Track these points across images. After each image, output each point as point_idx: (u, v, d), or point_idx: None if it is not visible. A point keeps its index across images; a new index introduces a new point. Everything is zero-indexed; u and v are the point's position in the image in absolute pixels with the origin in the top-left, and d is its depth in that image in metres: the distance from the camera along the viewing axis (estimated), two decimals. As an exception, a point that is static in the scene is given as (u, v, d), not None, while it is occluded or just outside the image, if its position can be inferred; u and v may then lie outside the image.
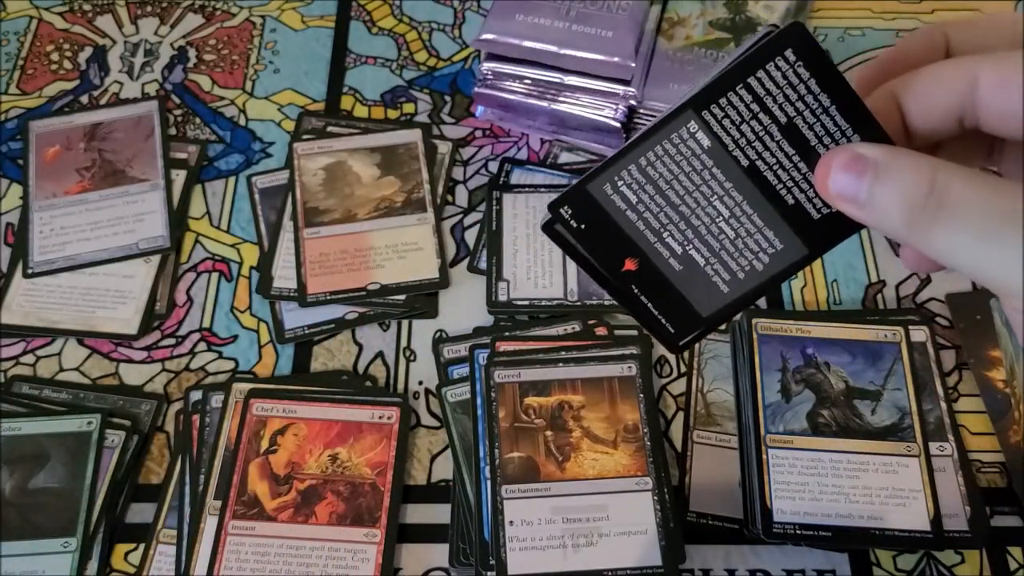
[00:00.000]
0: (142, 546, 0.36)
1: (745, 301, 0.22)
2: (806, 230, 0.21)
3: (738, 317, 0.41)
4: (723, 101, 0.20)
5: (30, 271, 0.42)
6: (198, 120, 0.48)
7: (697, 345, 0.40)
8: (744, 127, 0.20)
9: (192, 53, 0.50)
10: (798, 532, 0.34)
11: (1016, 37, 0.20)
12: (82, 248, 0.43)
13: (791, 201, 0.21)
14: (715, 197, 0.21)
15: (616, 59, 0.43)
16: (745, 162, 0.20)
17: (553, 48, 0.44)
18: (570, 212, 0.21)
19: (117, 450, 0.37)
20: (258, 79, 0.49)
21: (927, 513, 0.35)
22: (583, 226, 0.21)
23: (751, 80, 0.19)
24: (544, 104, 0.45)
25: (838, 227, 0.21)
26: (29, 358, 0.41)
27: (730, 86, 0.20)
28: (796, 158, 0.20)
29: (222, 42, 0.51)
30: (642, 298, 0.22)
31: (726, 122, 0.20)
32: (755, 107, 0.20)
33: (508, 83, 0.45)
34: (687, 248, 0.21)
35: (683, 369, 0.40)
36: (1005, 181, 0.17)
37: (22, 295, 0.42)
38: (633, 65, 0.43)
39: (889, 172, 0.18)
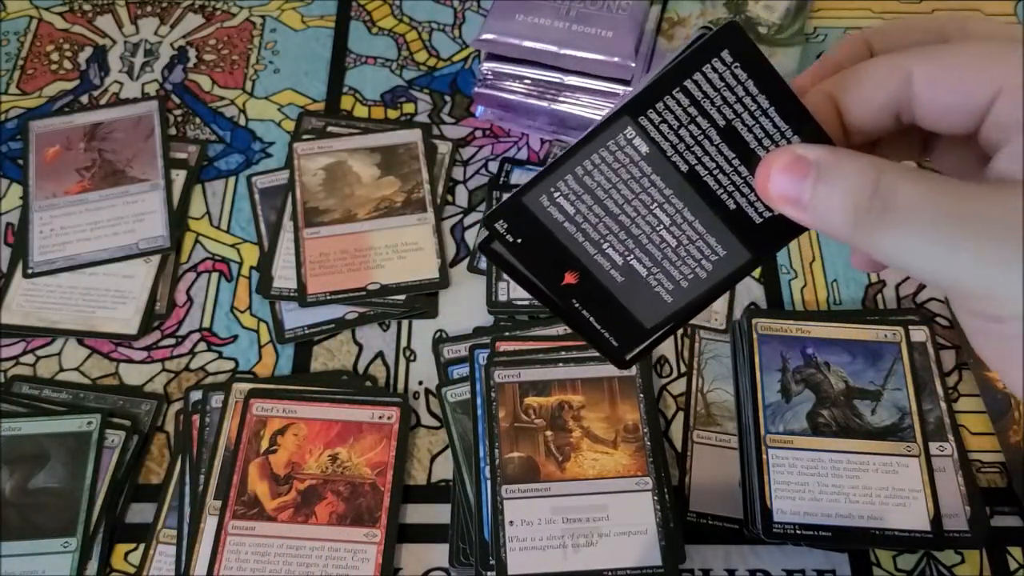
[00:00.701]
0: (142, 546, 0.36)
1: (690, 310, 0.22)
2: (748, 235, 0.20)
3: (738, 317, 0.41)
4: (660, 106, 0.19)
5: (30, 271, 0.42)
6: (198, 120, 0.48)
7: (697, 345, 0.40)
8: (682, 131, 0.19)
9: (192, 53, 0.50)
10: (798, 532, 0.34)
11: (941, 32, 0.19)
12: (82, 248, 0.43)
13: (732, 206, 0.20)
14: (655, 205, 0.20)
15: (616, 59, 0.43)
16: (684, 167, 0.20)
17: (553, 48, 0.44)
18: (506, 227, 0.20)
19: (117, 450, 0.37)
20: (258, 79, 0.49)
21: (927, 513, 0.35)
22: (520, 240, 0.20)
23: (688, 83, 0.19)
24: (544, 104, 0.45)
25: (781, 230, 0.20)
26: (29, 358, 0.41)
27: (667, 90, 0.19)
28: (736, 162, 0.20)
29: (222, 42, 0.51)
30: (584, 312, 0.21)
31: (664, 127, 0.19)
32: (693, 110, 0.19)
33: (508, 83, 0.45)
34: (628, 259, 0.21)
35: (683, 369, 0.40)
36: (950, 180, 0.17)
37: (22, 295, 0.42)
38: (633, 65, 0.43)
39: (831, 173, 0.18)
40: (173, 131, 0.47)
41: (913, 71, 0.18)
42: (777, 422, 0.37)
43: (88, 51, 0.50)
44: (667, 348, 0.40)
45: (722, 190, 0.20)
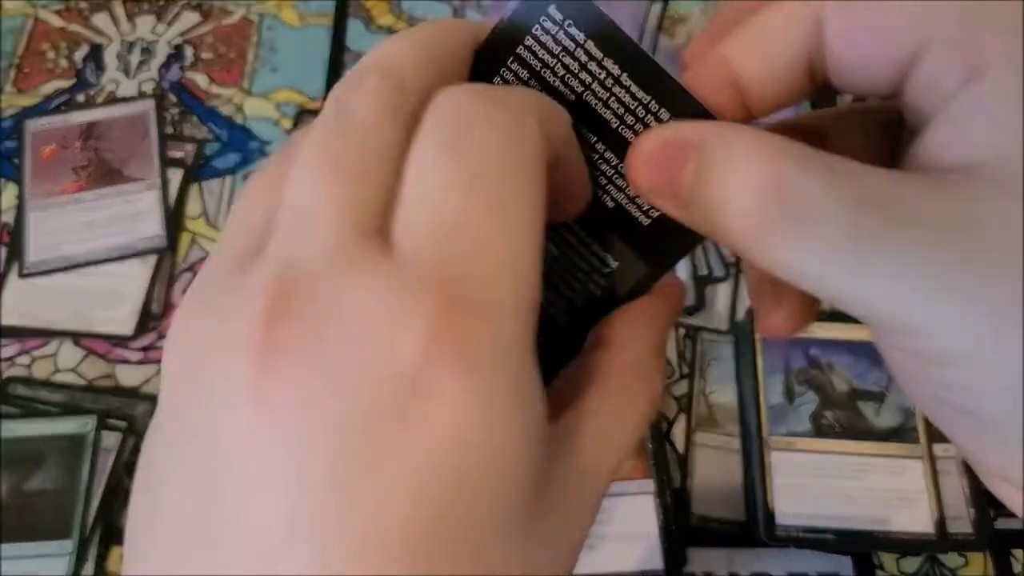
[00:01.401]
0: (138, 549, 0.35)
1: (583, 335, 0.17)
2: (638, 240, 0.16)
3: (741, 317, 0.40)
4: (497, 81, 0.15)
5: (26, 271, 0.42)
6: (195, 119, 0.47)
7: (699, 346, 0.40)
8: None
9: (189, 51, 0.50)
10: (801, 535, 0.34)
11: None
12: (78, 248, 0.43)
13: (611, 204, 0.16)
14: None
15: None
16: None
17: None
18: None
19: (113, 452, 0.37)
20: (256, 77, 0.49)
21: (931, 515, 0.34)
22: None
23: (520, 50, 0.15)
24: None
25: (675, 233, 0.16)
26: (25, 359, 0.40)
27: (501, 62, 0.15)
28: (601, 146, 0.15)
29: (219, 40, 0.50)
30: None
31: None
32: (535, 84, 0.15)
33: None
34: None
35: (685, 370, 0.40)
36: (869, 172, 0.13)
37: (18, 296, 0.41)
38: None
39: (716, 160, 0.13)
40: (170, 130, 0.47)
41: (825, 16, 0.14)
42: (780, 424, 0.37)
43: (84, 49, 0.50)
44: (669, 349, 0.40)
45: (595, 185, 0.16)
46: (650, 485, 0.35)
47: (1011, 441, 0.13)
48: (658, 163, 0.14)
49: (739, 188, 0.13)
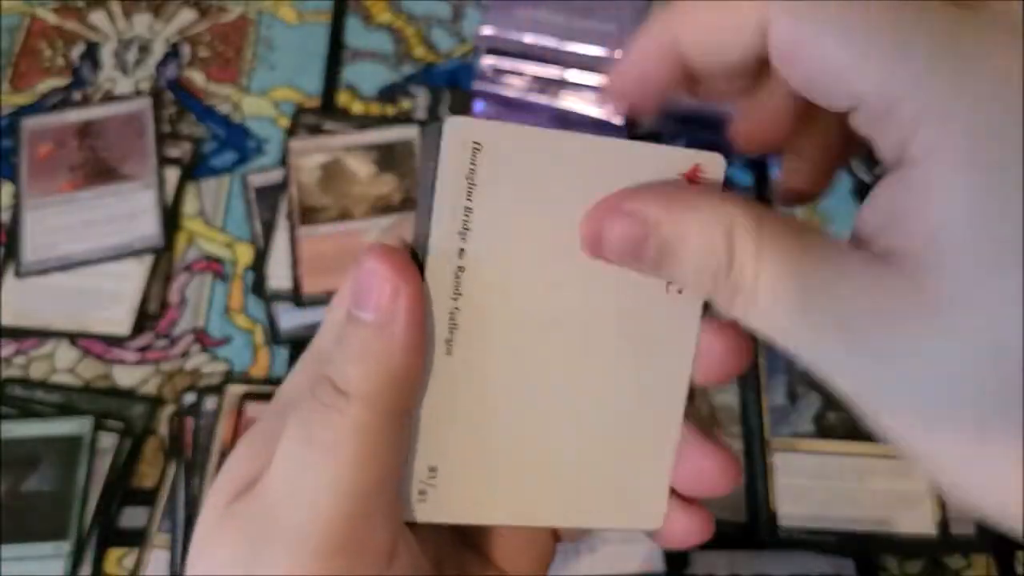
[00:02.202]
0: (136, 550, 0.35)
1: None
2: None
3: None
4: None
5: (22, 271, 0.42)
6: (192, 117, 0.47)
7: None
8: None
9: (186, 49, 0.49)
10: (803, 536, 0.34)
11: None
12: (74, 248, 0.42)
13: None
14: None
15: (619, 54, 0.42)
16: None
17: (554, 43, 0.43)
18: None
19: (110, 453, 0.37)
20: (253, 75, 0.49)
21: (934, 517, 0.34)
22: None
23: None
24: (545, 100, 0.44)
25: None
26: (21, 359, 0.40)
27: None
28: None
29: (217, 38, 0.50)
30: None
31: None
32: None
33: (508, 79, 0.45)
34: None
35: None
36: (821, 248, 0.14)
37: (14, 296, 0.41)
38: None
39: (673, 240, 0.15)
40: (167, 128, 0.46)
41: (769, 25, 0.14)
42: (783, 425, 0.36)
43: (81, 47, 0.50)
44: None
45: None
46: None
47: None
48: (621, 242, 0.15)
49: (695, 268, 0.15)
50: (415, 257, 0.17)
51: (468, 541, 0.20)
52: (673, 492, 0.18)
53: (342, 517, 0.15)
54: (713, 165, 0.17)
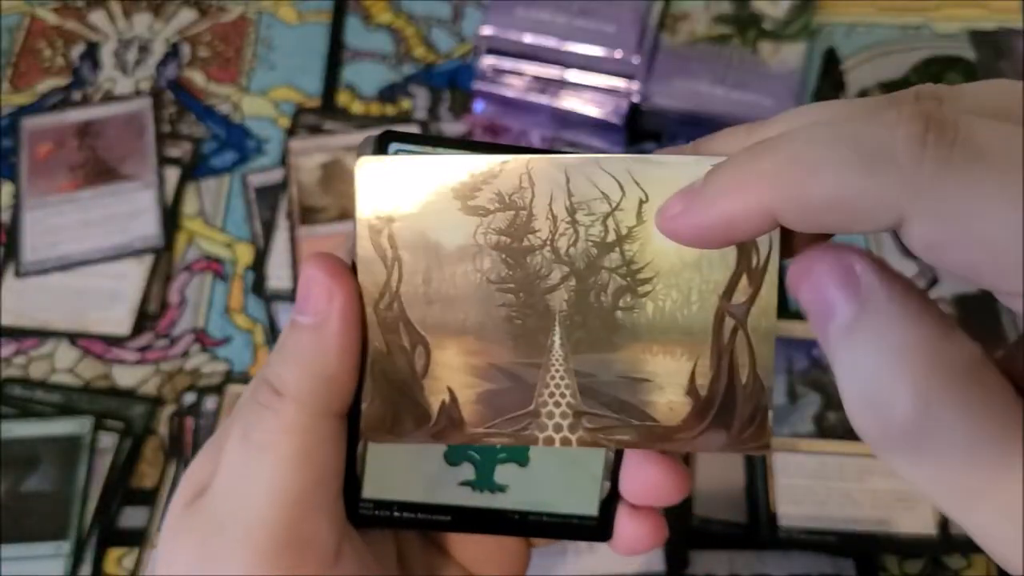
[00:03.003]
0: (136, 550, 0.35)
1: None
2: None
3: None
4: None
5: (22, 271, 0.42)
6: (192, 117, 0.47)
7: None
8: None
9: (186, 49, 0.49)
10: (803, 536, 0.34)
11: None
12: (74, 247, 0.42)
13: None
14: None
15: (619, 54, 0.42)
16: None
17: (554, 43, 0.43)
18: None
19: (110, 453, 0.37)
20: (253, 75, 0.49)
21: (934, 516, 0.34)
22: None
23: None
24: (545, 100, 0.44)
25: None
26: (21, 359, 0.40)
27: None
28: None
29: (217, 37, 0.50)
30: None
31: None
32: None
33: (508, 79, 0.45)
34: None
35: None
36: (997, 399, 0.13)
37: (14, 295, 0.41)
38: (636, 61, 0.42)
39: (870, 316, 0.13)
40: (167, 128, 0.46)
41: (909, 218, 0.13)
42: (783, 425, 0.36)
43: (81, 47, 0.50)
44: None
45: None
46: (651, 487, 0.35)
47: None
48: (837, 285, 0.14)
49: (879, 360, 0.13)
50: (354, 265, 0.17)
51: (436, 545, 0.20)
52: (624, 501, 0.18)
53: (282, 516, 0.16)
54: None
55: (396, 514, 0.18)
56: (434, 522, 0.18)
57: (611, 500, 0.18)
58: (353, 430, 0.17)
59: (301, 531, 0.16)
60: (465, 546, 0.20)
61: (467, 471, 0.18)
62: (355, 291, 0.16)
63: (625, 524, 0.19)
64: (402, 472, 0.18)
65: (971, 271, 0.13)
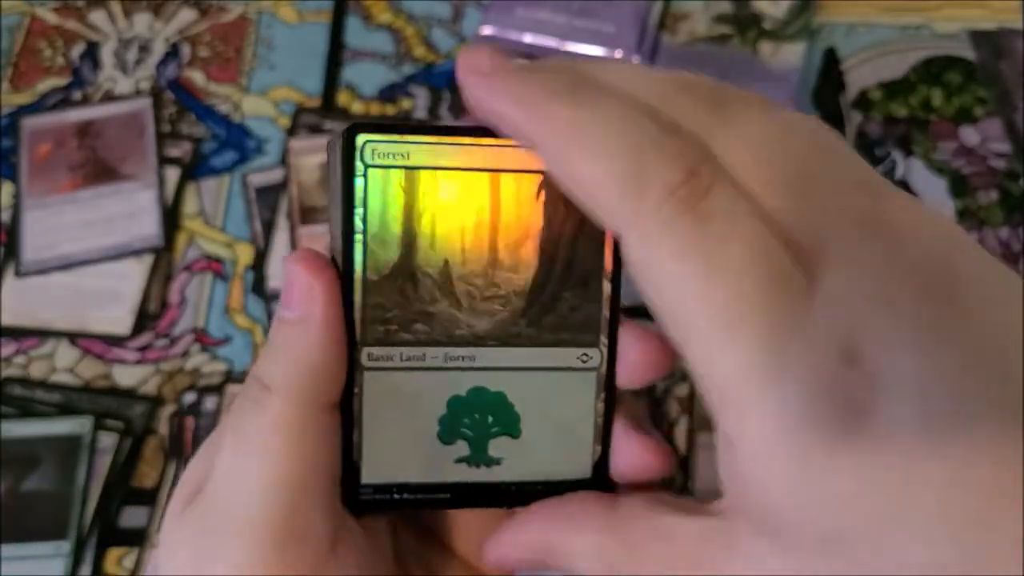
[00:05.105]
0: (136, 550, 0.35)
1: None
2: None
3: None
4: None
5: (22, 271, 0.42)
6: (192, 117, 0.47)
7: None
8: None
9: (186, 48, 0.49)
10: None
11: None
12: (74, 247, 0.42)
13: None
14: None
15: (619, 54, 0.42)
16: None
17: (554, 43, 0.43)
18: None
19: (110, 453, 0.37)
20: (253, 75, 0.49)
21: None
22: None
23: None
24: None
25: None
26: (21, 359, 0.40)
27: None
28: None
29: (217, 37, 0.50)
30: None
31: None
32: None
33: (508, 79, 0.45)
34: None
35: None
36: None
37: (14, 295, 0.41)
38: (636, 61, 0.42)
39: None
40: (167, 128, 0.46)
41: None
42: (782, 425, 0.36)
43: (81, 47, 0.50)
44: (670, 349, 0.40)
45: None
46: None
47: None
48: None
49: None
50: (335, 260, 0.17)
51: (431, 534, 0.20)
52: (616, 483, 0.19)
53: (275, 510, 0.16)
54: None
55: (396, 496, 0.18)
56: (434, 500, 0.18)
57: (603, 461, 0.19)
58: (347, 418, 0.17)
59: (296, 524, 0.16)
60: (463, 537, 0.20)
61: (461, 448, 0.18)
62: (336, 284, 0.17)
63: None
64: (398, 455, 0.18)
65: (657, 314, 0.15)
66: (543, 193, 0.17)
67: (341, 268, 0.17)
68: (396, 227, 0.17)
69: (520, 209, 0.17)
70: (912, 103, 0.46)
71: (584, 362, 0.18)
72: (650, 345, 0.18)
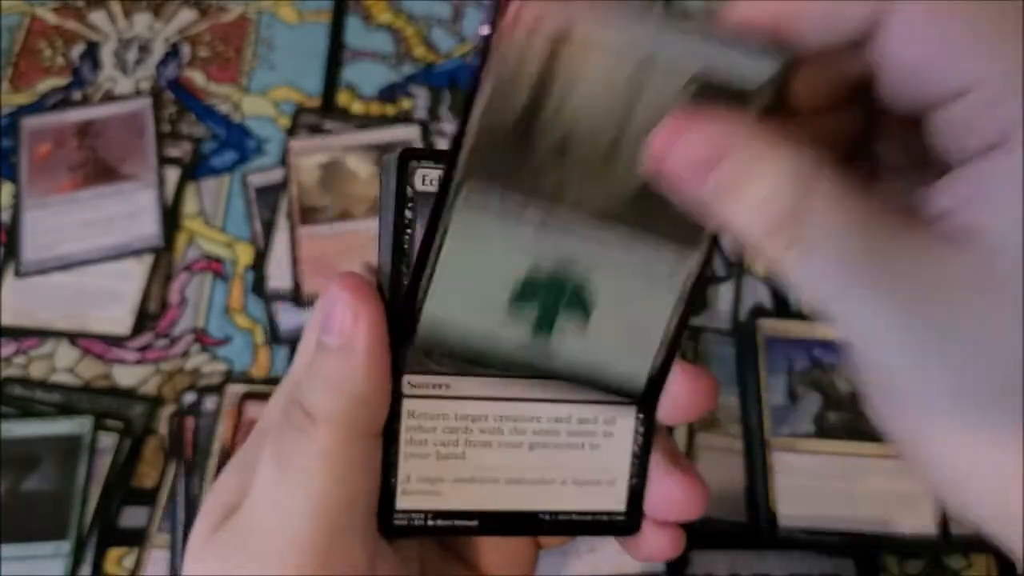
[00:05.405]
0: (136, 550, 0.35)
1: None
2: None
3: (743, 318, 0.40)
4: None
5: (22, 271, 0.42)
6: (192, 117, 0.47)
7: (701, 346, 0.39)
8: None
9: (186, 49, 0.49)
10: (803, 537, 0.34)
11: None
12: (74, 247, 0.42)
13: None
14: None
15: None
16: None
17: (553, 43, 0.43)
18: None
19: (110, 453, 0.37)
20: (253, 75, 0.49)
21: (934, 516, 0.34)
22: None
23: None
24: (544, 100, 0.44)
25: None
26: (21, 359, 0.40)
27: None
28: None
29: (217, 37, 0.50)
30: None
31: None
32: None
33: (508, 79, 0.45)
34: None
35: (686, 370, 0.39)
36: (888, 218, 0.14)
37: (14, 295, 0.41)
38: (635, 60, 0.42)
39: (744, 174, 0.14)
40: (167, 128, 0.46)
41: (896, 9, 0.14)
42: (783, 425, 0.36)
43: (81, 47, 0.50)
44: (670, 349, 0.40)
45: None
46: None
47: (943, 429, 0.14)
48: (687, 161, 0.14)
49: (760, 207, 0.14)
50: (381, 284, 0.17)
51: (454, 554, 0.20)
52: (646, 516, 0.19)
53: (316, 537, 0.16)
54: None
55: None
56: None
57: (637, 497, 0.19)
58: (388, 442, 0.17)
59: (335, 552, 0.16)
60: (482, 553, 0.20)
61: (522, 332, 0.18)
62: (380, 311, 0.16)
63: (651, 535, 0.19)
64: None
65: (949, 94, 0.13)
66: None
67: (387, 293, 0.17)
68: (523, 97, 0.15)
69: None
70: None
71: (670, 275, 0.17)
72: (700, 384, 0.18)
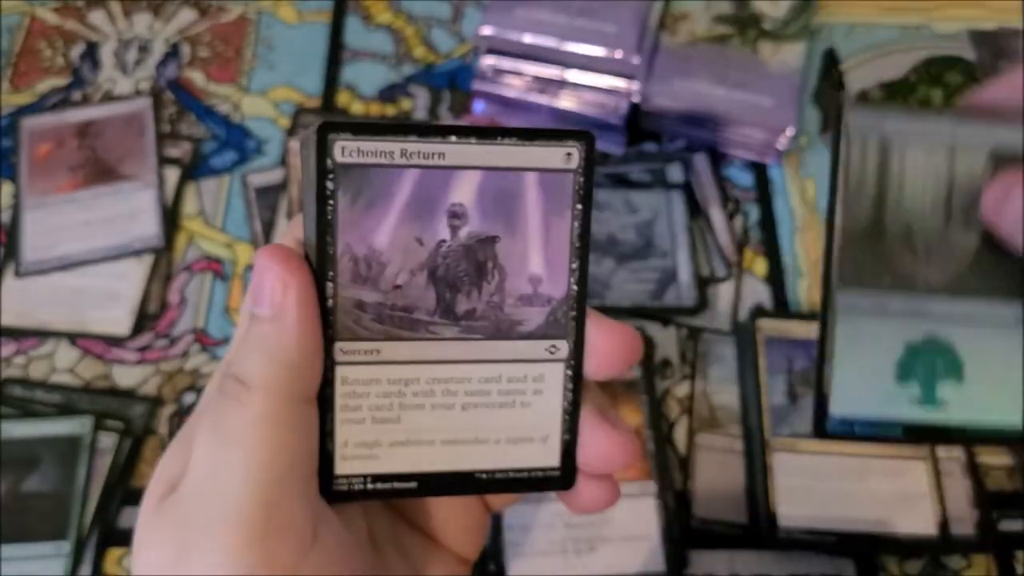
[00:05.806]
0: (135, 551, 0.35)
1: None
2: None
3: (743, 318, 0.40)
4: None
5: (22, 271, 0.42)
6: (192, 117, 0.47)
7: (701, 347, 0.39)
8: None
9: (186, 49, 0.49)
10: (803, 537, 0.34)
11: None
12: (74, 247, 0.42)
13: None
14: None
15: (619, 54, 0.42)
16: None
17: (554, 43, 0.43)
18: None
19: (110, 453, 0.37)
20: (253, 75, 0.48)
21: (934, 517, 0.34)
22: None
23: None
24: (545, 101, 0.44)
25: None
26: (21, 359, 0.40)
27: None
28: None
29: (217, 37, 0.50)
30: None
31: None
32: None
33: (508, 79, 0.45)
34: None
35: (687, 372, 0.39)
36: None
37: (14, 295, 0.41)
38: (636, 61, 0.42)
39: None
40: (167, 128, 0.46)
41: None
42: (782, 425, 0.36)
43: (81, 47, 0.50)
44: (671, 350, 0.40)
45: None
46: (651, 487, 0.35)
47: None
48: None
49: None
50: (308, 255, 0.17)
51: (405, 520, 0.21)
52: (580, 470, 0.19)
53: (257, 505, 0.16)
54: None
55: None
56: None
57: (570, 452, 0.19)
58: (324, 409, 0.18)
59: (277, 518, 0.16)
60: (432, 517, 0.21)
61: (912, 391, 0.22)
62: (309, 279, 0.17)
63: (585, 486, 0.19)
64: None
65: None
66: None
67: (314, 263, 0.17)
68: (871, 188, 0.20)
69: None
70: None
71: (1016, 322, 0.21)
72: (618, 336, 0.18)
